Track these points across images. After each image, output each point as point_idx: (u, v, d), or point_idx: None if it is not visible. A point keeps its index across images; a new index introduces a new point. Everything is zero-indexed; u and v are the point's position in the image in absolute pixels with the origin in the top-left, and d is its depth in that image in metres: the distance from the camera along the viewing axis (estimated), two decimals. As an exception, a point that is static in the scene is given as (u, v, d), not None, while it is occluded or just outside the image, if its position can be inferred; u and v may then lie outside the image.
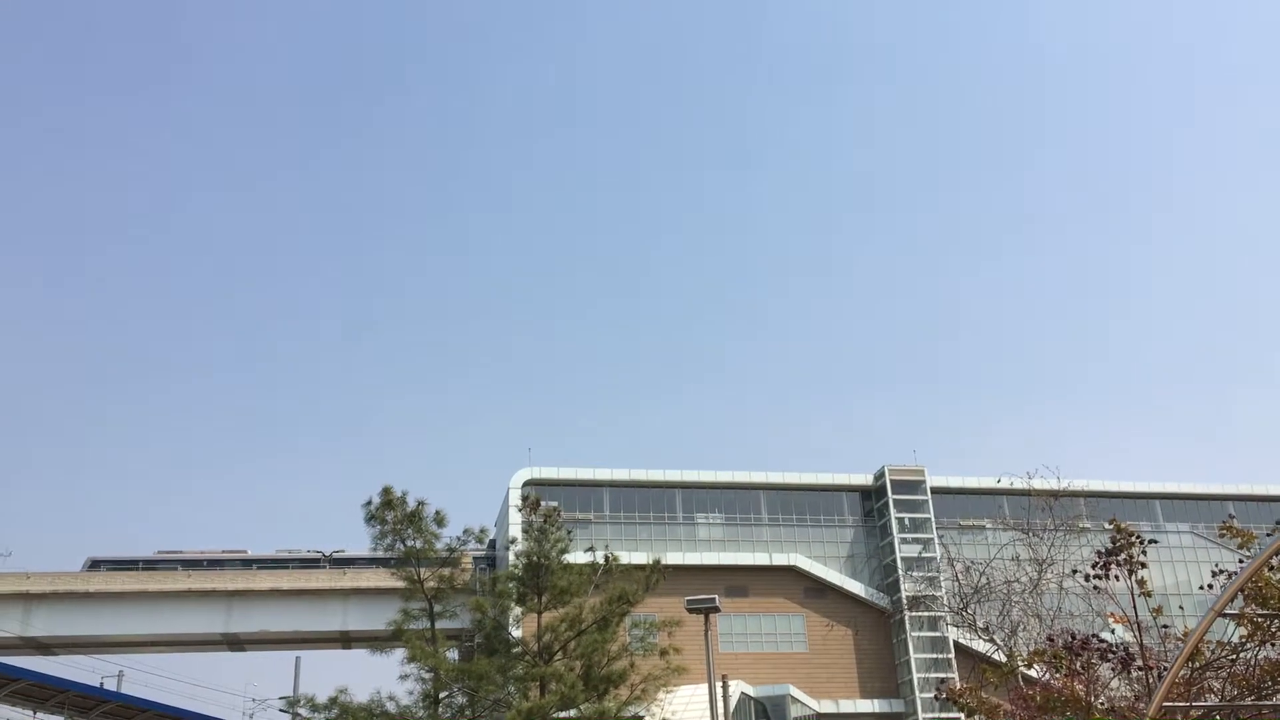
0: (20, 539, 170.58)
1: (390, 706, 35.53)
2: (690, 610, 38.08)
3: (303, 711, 37.19)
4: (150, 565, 79.91)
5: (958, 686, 28.71)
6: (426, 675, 35.76)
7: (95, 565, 79.22)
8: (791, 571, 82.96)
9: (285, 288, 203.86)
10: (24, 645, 74.51)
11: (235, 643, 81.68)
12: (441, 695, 36.11)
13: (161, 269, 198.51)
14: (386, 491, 37.48)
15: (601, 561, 40.03)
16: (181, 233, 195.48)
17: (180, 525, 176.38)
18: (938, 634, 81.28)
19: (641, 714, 37.06)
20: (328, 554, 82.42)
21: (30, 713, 54.96)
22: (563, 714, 35.37)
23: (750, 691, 71.84)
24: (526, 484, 78.89)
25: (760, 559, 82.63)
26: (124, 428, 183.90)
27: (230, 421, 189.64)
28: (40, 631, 74.47)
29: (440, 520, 37.75)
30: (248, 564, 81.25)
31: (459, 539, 38.02)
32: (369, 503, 37.00)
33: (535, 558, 38.48)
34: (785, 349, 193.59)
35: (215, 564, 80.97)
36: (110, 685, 67.63)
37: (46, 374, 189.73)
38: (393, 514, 37.17)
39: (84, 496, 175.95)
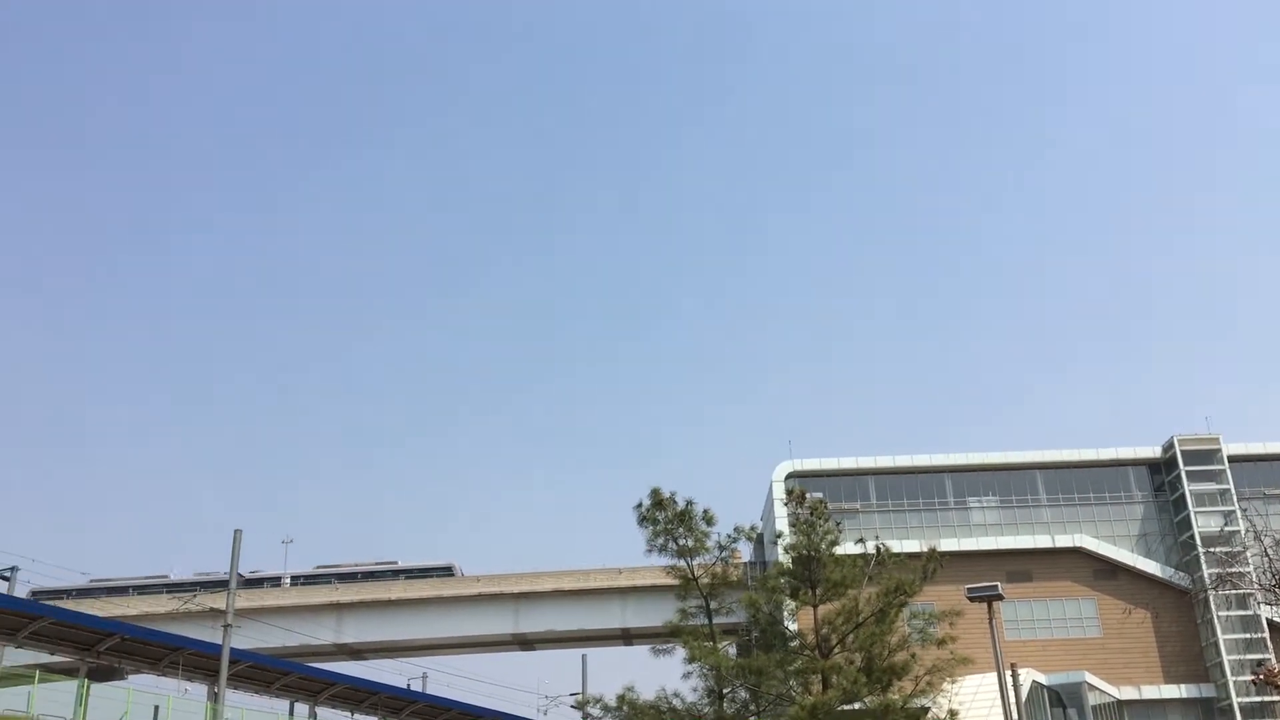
0: (334, 553, 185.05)
1: (676, 703, 36.26)
2: (971, 598, 36.89)
3: (594, 711, 38.45)
4: (311, 580, 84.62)
5: (1277, 669, 26.51)
6: (708, 672, 36.26)
7: (252, 584, 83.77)
8: (1077, 553, 78.93)
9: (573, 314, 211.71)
10: (338, 651, 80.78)
11: (525, 642, 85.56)
12: (724, 691, 36.54)
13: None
14: (655, 493, 38.27)
15: (873, 552, 39.32)
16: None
17: (470, 533, 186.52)
18: (1248, 612, 75.33)
19: (928, 706, 36.15)
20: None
21: (348, 714, 59.53)
22: (847, 707, 34.99)
23: (1042, 680, 68.91)
24: (789, 477, 78.55)
25: (1042, 541, 79.00)
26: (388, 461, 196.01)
27: (521, 446, 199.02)
28: (351, 638, 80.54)
29: (709, 519, 38.21)
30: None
31: (729, 536, 38.36)
32: (640, 505, 37.94)
33: (805, 551, 38.26)
34: (1042, 319, 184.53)
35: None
36: (416, 686, 72.19)
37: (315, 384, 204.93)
38: (664, 514, 37.92)
39: (318, 511, 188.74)
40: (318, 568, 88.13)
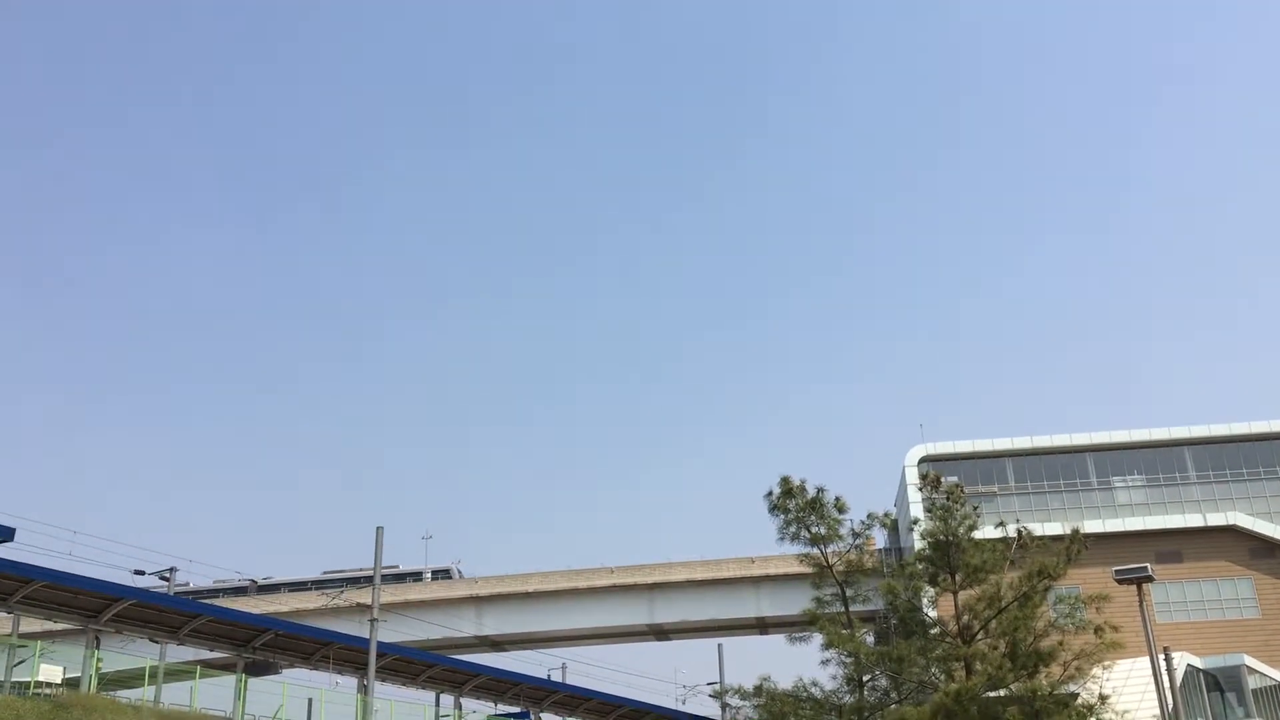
0: (470, 548, 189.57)
1: (815, 692, 36.07)
2: (1120, 580, 35.78)
3: (731, 700, 38.52)
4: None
5: None
6: (846, 660, 35.96)
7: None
8: (1231, 532, 75.52)
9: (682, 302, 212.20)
10: (479, 643, 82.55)
11: (660, 632, 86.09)
12: (864, 679, 36.20)
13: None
14: (785, 481, 38.08)
15: (1014, 536, 38.41)
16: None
17: (607, 527, 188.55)
18: None
19: (1076, 691, 35.16)
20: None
21: (492, 704, 60.83)
22: (992, 694, 34.28)
23: (1197, 663, 66.28)
24: (922, 461, 77.05)
25: (1193, 520, 75.83)
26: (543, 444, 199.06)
27: (648, 429, 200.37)
28: (491, 630, 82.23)
29: (840, 506, 37.87)
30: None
31: (863, 523, 37.98)
32: (769, 493, 37.82)
33: (942, 536, 37.61)
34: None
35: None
36: (555, 677, 73.37)
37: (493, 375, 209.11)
38: (794, 502, 37.72)
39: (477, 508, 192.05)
40: (325, 573, 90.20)
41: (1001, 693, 34.27)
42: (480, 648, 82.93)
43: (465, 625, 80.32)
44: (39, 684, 37.04)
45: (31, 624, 42.73)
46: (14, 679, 36.86)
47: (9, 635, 38.37)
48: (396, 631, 64.88)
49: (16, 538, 35.72)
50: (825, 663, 36.90)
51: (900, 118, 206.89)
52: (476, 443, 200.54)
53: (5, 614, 39.43)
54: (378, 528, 45.75)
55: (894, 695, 36.74)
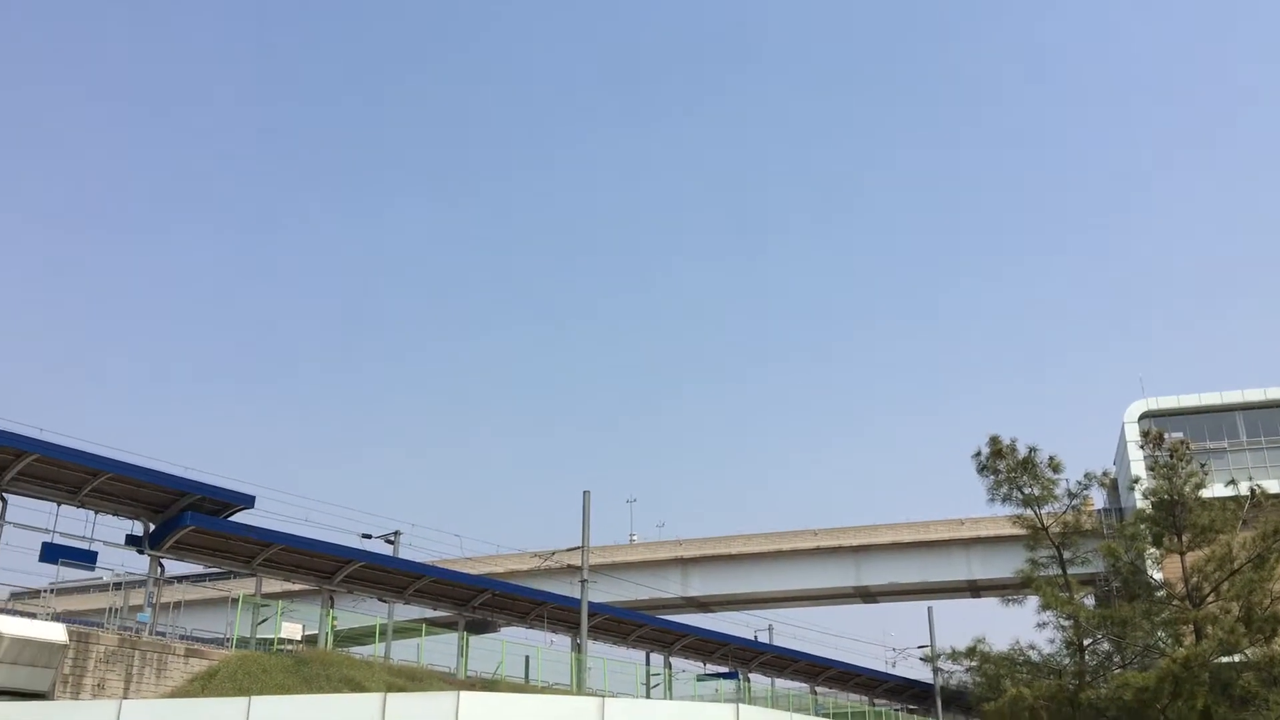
0: (673, 510, 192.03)
1: (1032, 655, 35.15)
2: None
3: (944, 664, 37.97)
4: None
5: None
6: (1065, 623, 34.85)
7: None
8: None
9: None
10: (685, 604, 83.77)
11: (867, 595, 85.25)
12: (1084, 643, 34.99)
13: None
14: (994, 441, 37.00)
15: (1246, 494, 36.26)
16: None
17: (813, 490, 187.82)
18: None
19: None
20: None
21: (700, 664, 61.80)
22: (1225, 660, 32.58)
23: None
24: (1143, 417, 73.13)
25: None
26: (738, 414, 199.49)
27: (850, 398, 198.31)
28: (696, 591, 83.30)
29: (1055, 465, 36.58)
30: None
31: (1079, 483, 36.59)
32: (978, 454, 36.82)
33: (1167, 495, 35.89)
34: None
35: None
36: (762, 638, 73.77)
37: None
38: (1004, 463, 36.65)
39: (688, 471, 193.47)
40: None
41: (1235, 658, 32.54)
42: (687, 608, 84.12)
43: (671, 586, 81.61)
44: (281, 640, 39.81)
45: (272, 585, 45.88)
46: (259, 635, 39.81)
47: (253, 595, 41.40)
48: (605, 592, 66.57)
49: (256, 505, 38.43)
50: (1041, 626, 35.93)
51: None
52: (683, 403, 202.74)
53: (249, 575, 42.57)
54: (584, 492, 47.04)
55: (1117, 660, 35.41)
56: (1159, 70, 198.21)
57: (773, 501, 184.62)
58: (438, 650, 45.02)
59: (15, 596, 45.03)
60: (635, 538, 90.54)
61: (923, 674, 76.07)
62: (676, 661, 59.74)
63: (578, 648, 48.03)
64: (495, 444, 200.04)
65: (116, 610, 36.97)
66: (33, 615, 33.74)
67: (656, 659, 58.60)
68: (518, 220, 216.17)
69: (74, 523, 34.90)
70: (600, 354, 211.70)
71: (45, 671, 30.35)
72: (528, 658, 48.66)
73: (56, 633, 30.91)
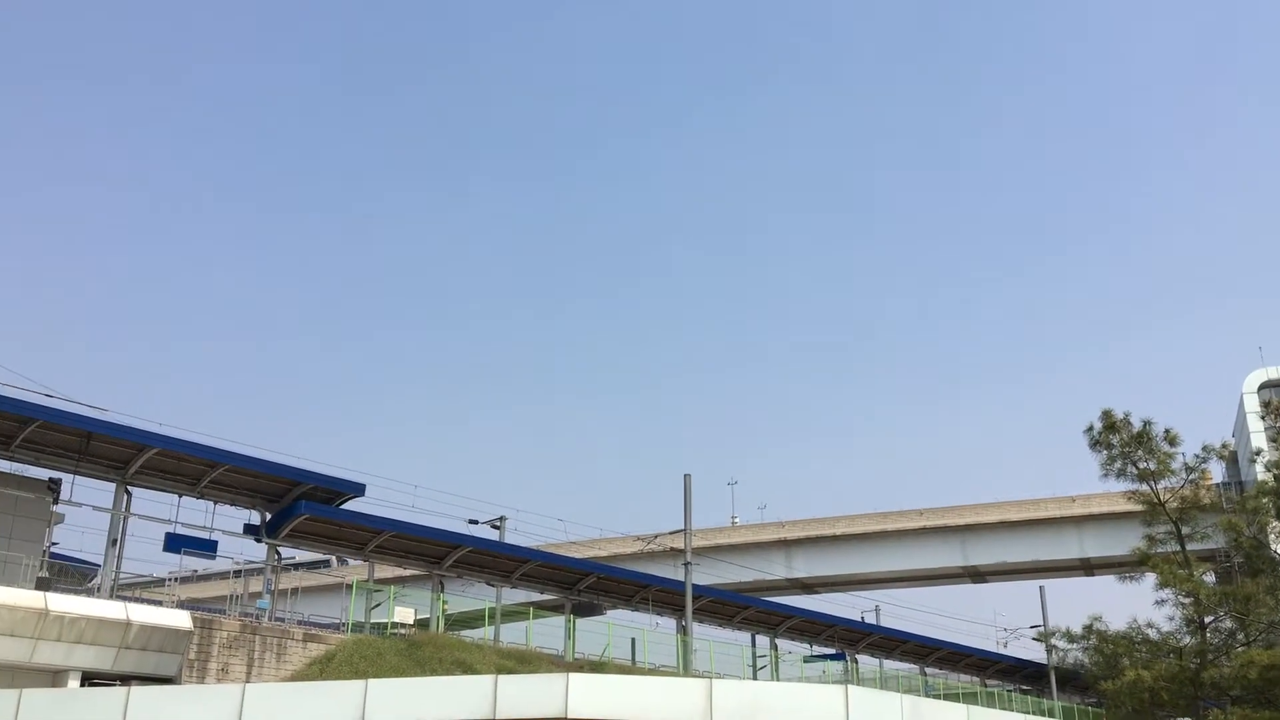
0: (775, 492, 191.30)
1: (1150, 634, 34.24)
2: None
3: (1058, 643, 37.26)
4: None
5: None
6: (1184, 600, 33.86)
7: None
8: None
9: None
10: (790, 586, 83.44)
11: (976, 575, 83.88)
12: (1206, 620, 33.95)
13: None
14: (1107, 415, 36.08)
15: (1376, 464, 34.73)
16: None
17: (919, 462, 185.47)
18: None
19: None
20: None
21: (807, 645, 61.49)
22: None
23: None
24: (1263, 387, 70.51)
25: None
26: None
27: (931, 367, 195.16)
28: (801, 573, 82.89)
29: (1171, 438, 35.61)
30: None
31: (1196, 456, 35.48)
32: (1090, 428, 35.99)
33: (1292, 467, 34.55)
34: None
35: None
36: (869, 619, 73.03)
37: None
38: (1118, 437, 35.73)
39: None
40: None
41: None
42: (791, 590, 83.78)
43: (775, 568, 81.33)
44: (394, 625, 40.75)
45: (383, 570, 46.96)
46: (373, 620, 40.80)
47: (366, 581, 42.43)
48: (709, 574, 66.64)
49: (365, 493, 39.31)
50: (1160, 603, 35.04)
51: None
52: (784, 384, 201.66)
53: (361, 561, 43.61)
54: (685, 475, 47.00)
55: (1240, 637, 34.26)
56: None
57: (876, 482, 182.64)
58: (545, 633, 45.61)
59: (141, 585, 46.86)
60: (737, 520, 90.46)
61: (1035, 654, 74.64)
62: (782, 643, 59.51)
63: (683, 630, 48.16)
64: (596, 428, 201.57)
65: (237, 597, 38.23)
66: (158, 603, 35.06)
67: (762, 641, 58.45)
68: (622, 199, 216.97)
69: (194, 513, 36.17)
70: (700, 335, 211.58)
71: (172, 657, 31.55)
72: (634, 640, 48.99)
73: (182, 619, 32.09)
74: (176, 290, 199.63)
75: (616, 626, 49.37)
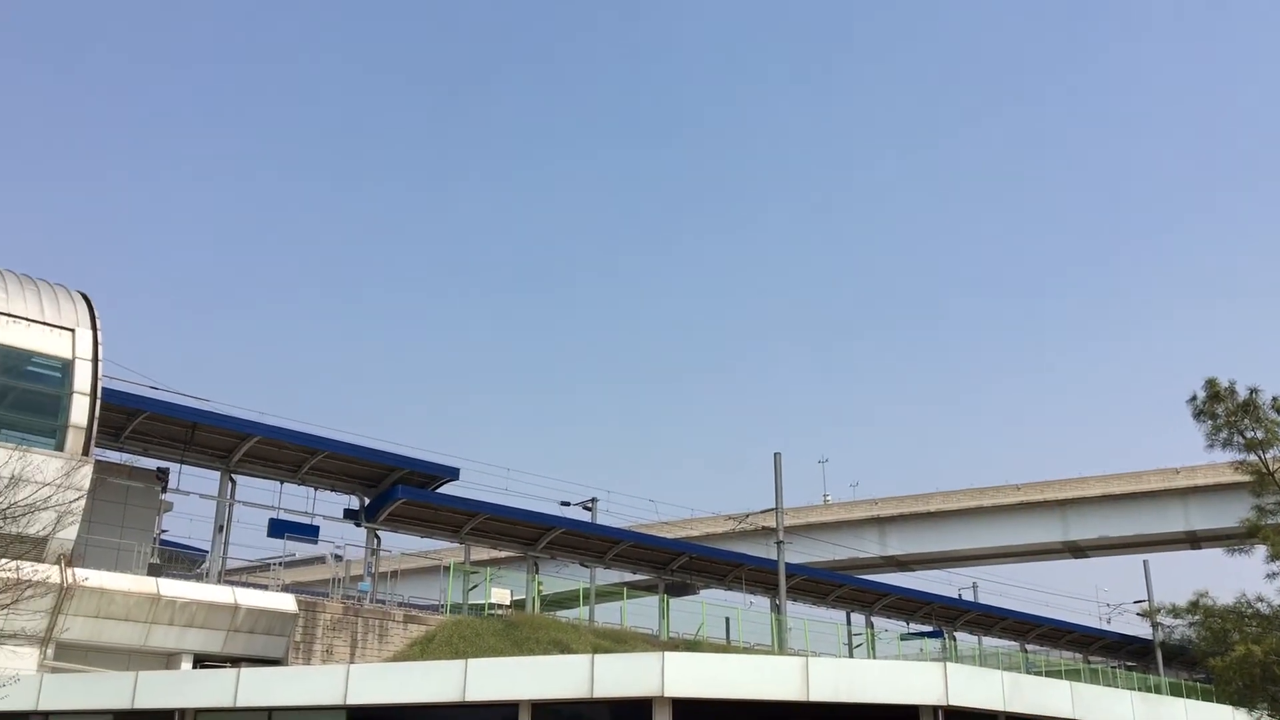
0: (866, 470, 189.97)
1: (1261, 608, 33.13)
2: None
3: (1164, 619, 36.32)
4: None
5: None
6: (1297, 573, 32.70)
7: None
8: None
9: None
10: (884, 564, 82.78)
11: (1076, 550, 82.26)
12: (1322, 595, 32.79)
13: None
14: (1211, 384, 34.85)
15: None
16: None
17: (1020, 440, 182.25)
18: None
19: None
20: None
21: (903, 623, 60.97)
22: None
23: None
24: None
25: None
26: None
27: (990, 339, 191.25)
28: (895, 550, 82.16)
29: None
30: None
31: (1310, 425, 34.11)
32: (1193, 398, 34.84)
33: None
34: None
35: None
36: (966, 596, 72.17)
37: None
38: (1223, 406, 34.56)
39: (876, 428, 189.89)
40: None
41: None
42: (886, 568, 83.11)
43: (869, 546, 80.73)
44: (491, 606, 41.47)
45: (479, 552, 47.79)
46: (470, 601, 41.55)
47: (463, 563, 43.19)
48: (801, 553, 66.39)
49: (460, 476, 40.02)
50: (1271, 576, 33.73)
51: None
52: (874, 359, 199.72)
53: (457, 544, 44.40)
54: (775, 454, 46.81)
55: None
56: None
57: (970, 457, 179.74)
58: (639, 613, 46.00)
59: (247, 570, 48.35)
60: (829, 498, 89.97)
61: (1140, 630, 72.96)
62: (878, 621, 59.14)
63: (777, 608, 48.12)
64: (684, 409, 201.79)
65: (340, 580, 39.24)
66: (264, 587, 36.18)
67: (857, 619, 58.17)
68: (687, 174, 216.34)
69: (295, 499, 37.20)
70: (787, 312, 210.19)
71: (279, 639, 32.54)
72: (728, 619, 49.14)
73: (287, 603, 33.08)
74: (267, 281, 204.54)
75: (710, 606, 49.62)
